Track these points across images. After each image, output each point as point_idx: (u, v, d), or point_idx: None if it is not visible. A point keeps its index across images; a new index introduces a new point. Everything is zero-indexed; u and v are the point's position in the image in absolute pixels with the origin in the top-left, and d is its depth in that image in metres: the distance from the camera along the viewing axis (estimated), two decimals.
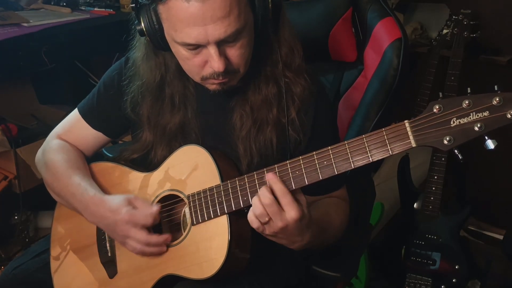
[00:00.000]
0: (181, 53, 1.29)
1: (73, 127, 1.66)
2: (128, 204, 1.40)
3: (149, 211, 1.38)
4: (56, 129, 1.69)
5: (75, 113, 1.66)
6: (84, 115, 1.64)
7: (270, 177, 1.21)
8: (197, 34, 1.21)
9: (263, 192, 1.19)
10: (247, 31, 1.28)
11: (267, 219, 1.19)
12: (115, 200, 1.42)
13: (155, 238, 1.39)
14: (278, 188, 1.19)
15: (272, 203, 1.18)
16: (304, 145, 1.44)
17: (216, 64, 1.25)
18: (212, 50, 1.24)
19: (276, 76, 1.42)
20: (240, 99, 1.44)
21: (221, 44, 1.25)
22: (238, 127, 1.44)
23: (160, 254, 1.41)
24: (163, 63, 1.44)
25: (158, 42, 1.32)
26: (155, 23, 1.27)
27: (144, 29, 1.30)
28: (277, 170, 1.23)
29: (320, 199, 1.49)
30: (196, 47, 1.25)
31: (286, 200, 1.19)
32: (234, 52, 1.28)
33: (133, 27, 1.40)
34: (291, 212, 1.18)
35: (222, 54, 1.26)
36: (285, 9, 1.40)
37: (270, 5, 1.29)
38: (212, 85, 1.35)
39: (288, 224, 1.19)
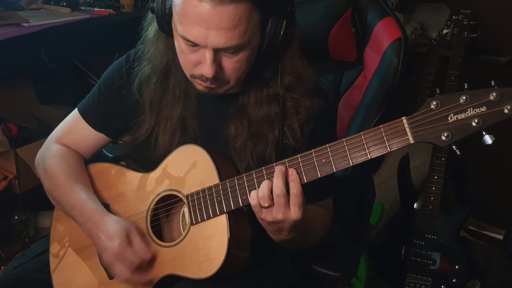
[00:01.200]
0: (180, 45, 1.30)
1: (73, 128, 1.65)
2: (124, 237, 1.38)
3: (141, 255, 1.37)
4: (55, 132, 1.68)
5: (75, 114, 1.65)
6: (84, 115, 1.63)
7: (293, 173, 1.21)
8: (197, 34, 1.21)
9: (278, 182, 1.19)
10: (249, 49, 1.28)
11: (266, 204, 1.20)
12: (113, 226, 1.40)
13: (137, 278, 1.38)
14: (297, 187, 1.19)
15: (282, 195, 1.18)
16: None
17: (206, 69, 1.26)
18: (207, 55, 1.24)
19: (279, 97, 1.41)
20: (239, 111, 1.43)
21: (218, 51, 1.25)
22: (232, 137, 1.44)
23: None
24: (171, 48, 1.42)
25: (164, 26, 1.32)
26: (166, 8, 1.28)
27: (155, 8, 1.31)
28: (275, 169, 1.23)
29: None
30: (194, 45, 1.25)
31: (298, 200, 1.19)
32: (229, 63, 1.28)
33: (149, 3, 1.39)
34: (297, 212, 1.19)
35: (216, 61, 1.26)
36: (299, 35, 1.39)
37: (281, 33, 1.29)
38: (199, 86, 1.35)
39: (287, 220, 1.20)
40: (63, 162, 1.58)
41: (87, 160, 1.66)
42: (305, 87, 1.42)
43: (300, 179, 1.21)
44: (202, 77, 1.30)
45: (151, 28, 1.45)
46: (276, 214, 1.20)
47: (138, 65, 1.50)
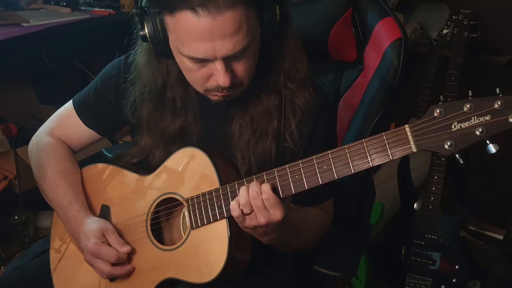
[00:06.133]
0: (185, 64, 1.29)
1: (66, 122, 1.66)
2: (100, 236, 1.42)
3: (115, 251, 1.41)
4: (50, 122, 1.69)
5: (69, 107, 1.66)
6: (78, 110, 1.64)
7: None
8: (205, 50, 1.20)
9: (252, 186, 1.21)
10: (254, 46, 1.27)
11: (249, 210, 1.21)
12: (91, 226, 1.44)
13: (118, 271, 1.42)
14: (265, 191, 1.20)
15: (257, 197, 1.20)
16: (300, 157, 1.43)
17: (222, 79, 1.25)
18: (219, 66, 1.23)
19: (278, 87, 1.41)
20: (240, 109, 1.43)
21: (227, 59, 1.24)
22: (236, 136, 1.43)
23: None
24: (166, 68, 1.43)
25: (162, 50, 1.30)
26: (160, 32, 1.26)
27: (147, 36, 1.28)
28: (276, 174, 1.23)
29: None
30: (202, 60, 1.24)
31: (270, 202, 1.20)
32: (240, 67, 1.28)
33: (135, 31, 1.39)
34: (277, 213, 1.20)
35: (228, 69, 1.25)
36: (292, 21, 1.39)
37: (278, 19, 1.29)
38: (214, 97, 1.35)
39: (270, 223, 1.21)
40: (54, 158, 1.61)
41: (87, 160, 1.67)
42: (301, 74, 1.42)
43: (302, 185, 1.21)
44: (217, 88, 1.29)
45: (141, 56, 1.45)
46: (259, 218, 1.21)
47: (133, 88, 1.51)
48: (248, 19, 1.21)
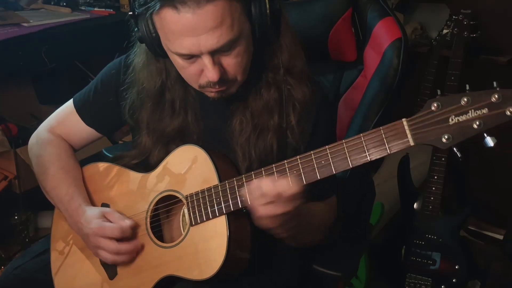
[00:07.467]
0: (177, 62, 1.30)
1: (67, 120, 1.67)
2: (100, 217, 1.44)
3: (120, 223, 1.42)
4: (50, 120, 1.70)
5: (70, 105, 1.67)
6: (79, 109, 1.64)
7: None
8: (190, 45, 1.21)
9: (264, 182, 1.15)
10: (243, 40, 1.27)
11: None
12: (91, 212, 1.46)
13: (124, 246, 1.42)
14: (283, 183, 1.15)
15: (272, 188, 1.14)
16: (302, 153, 1.43)
17: (210, 73, 1.25)
18: (206, 60, 1.24)
19: (278, 81, 1.41)
20: (241, 105, 1.43)
21: (215, 54, 1.24)
22: (237, 132, 1.43)
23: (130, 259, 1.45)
24: (164, 68, 1.44)
25: (156, 50, 1.32)
26: (152, 32, 1.27)
27: (142, 37, 1.30)
28: (274, 170, 1.23)
29: None
30: (190, 56, 1.25)
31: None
32: (229, 61, 1.28)
33: (133, 34, 1.40)
34: (293, 187, 1.14)
35: (217, 63, 1.26)
36: (286, 14, 1.39)
37: (268, 12, 1.28)
38: (210, 93, 1.35)
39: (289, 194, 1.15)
40: (55, 154, 1.62)
41: (87, 160, 1.67)
42: (298, 68, 1.42)
43: (300, 180, 1.20)
44: (209, 84, 1.30)
45: (139, 56, 1.46)
46: (278, 205, 1.15)
47: (131, 90, 1.52)
48: (231, 12, 1.20)
